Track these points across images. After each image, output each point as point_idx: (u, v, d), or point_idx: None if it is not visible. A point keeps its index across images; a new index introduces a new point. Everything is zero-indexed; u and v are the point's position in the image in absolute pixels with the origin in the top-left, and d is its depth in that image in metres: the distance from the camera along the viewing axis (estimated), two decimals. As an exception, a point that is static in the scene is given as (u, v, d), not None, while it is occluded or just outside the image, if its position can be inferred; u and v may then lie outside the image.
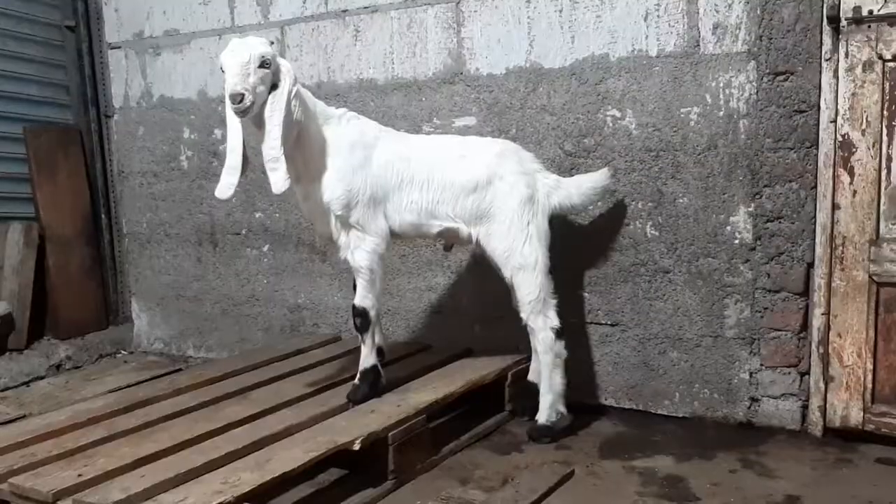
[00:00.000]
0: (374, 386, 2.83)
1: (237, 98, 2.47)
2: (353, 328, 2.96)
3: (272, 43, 2.76)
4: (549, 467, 2.67)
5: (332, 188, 2.71)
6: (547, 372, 2.89)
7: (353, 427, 2.52)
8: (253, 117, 2.58)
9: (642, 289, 3.13)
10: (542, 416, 2.93)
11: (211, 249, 4.22)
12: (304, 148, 2.71)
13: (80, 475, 2.20)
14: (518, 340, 3.37)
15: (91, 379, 4.01)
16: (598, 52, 3.12)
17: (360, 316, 2.81)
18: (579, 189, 2.95)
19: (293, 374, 3.18)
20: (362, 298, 2.80)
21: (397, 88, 3.57)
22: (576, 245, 3.22)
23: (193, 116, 4.16)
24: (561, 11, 3.17)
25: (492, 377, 3.09)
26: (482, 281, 3.45)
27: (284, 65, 2.62)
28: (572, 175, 3.06)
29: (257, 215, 4.05)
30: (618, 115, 3.11)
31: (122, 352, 4.58)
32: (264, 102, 2.56)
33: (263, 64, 2.51)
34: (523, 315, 2.88)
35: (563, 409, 2.95)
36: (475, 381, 3.01)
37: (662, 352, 3.12)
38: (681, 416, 3.12)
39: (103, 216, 4.61)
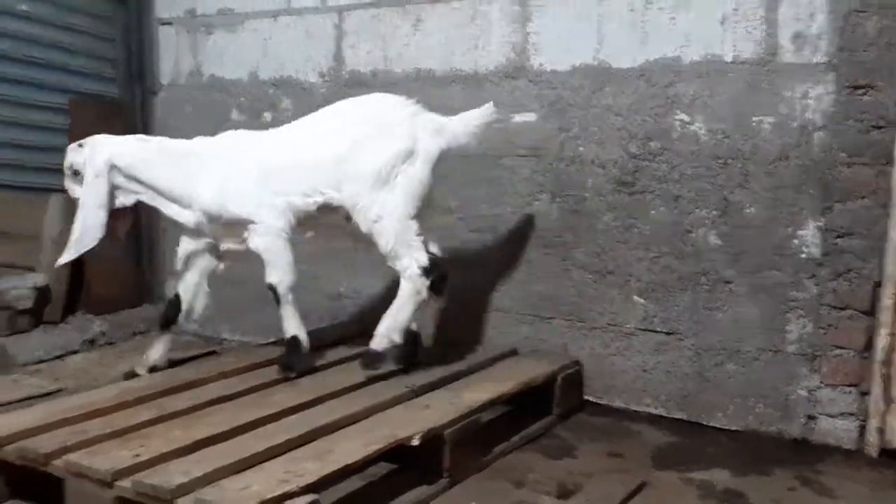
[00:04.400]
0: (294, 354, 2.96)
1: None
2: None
3: (80, 145, 2.93)
4: (616, 477, 2.61)
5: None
6: (399, 301, 2.87)
7: (409, 421, 2.46)
8: None
9: (702, 298, 3.06)
10: (376, 342, 2.91)
11: (252, 233, 4.17)
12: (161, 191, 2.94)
13: (136, 455, 2.15)
14: (567, 343, 3.33)
15: (124, 356, 3.96)
16: (669, 54, 3.06)
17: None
18: (466, 128, 2.93)
19: (338, 363, 3.12)
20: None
21: (456, 81, 3.51)
22: (633, 250, 3.16)
23: (243, 98, 4.11)
24: (633, 11, 3.11)
25: (542, 379, 3.03)
26: (529, 281, 3.40)
27: (92, 156, 2.86)
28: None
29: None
30: (687, 119, 3.05)
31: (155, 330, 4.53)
32: None
33: (74, 172, 2.90)
34: (390, 263, 2.88)
35: (398, 340, 2.91)
36: (526, 382, 2.95)
37: (719, 363, 3.05)
38: (733, 429, 3.06)
39: (143, 193, 4.56)
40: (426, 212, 2.95)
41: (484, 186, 3.47)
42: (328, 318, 3.96)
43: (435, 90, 3.55)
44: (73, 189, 2.92)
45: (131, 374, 3.04)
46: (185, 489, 1.98)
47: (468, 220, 3.52)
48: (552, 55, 3.30)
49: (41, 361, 3.82)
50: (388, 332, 2.89)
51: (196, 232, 3.01)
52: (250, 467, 2.12)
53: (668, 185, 3.09)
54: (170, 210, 2.97)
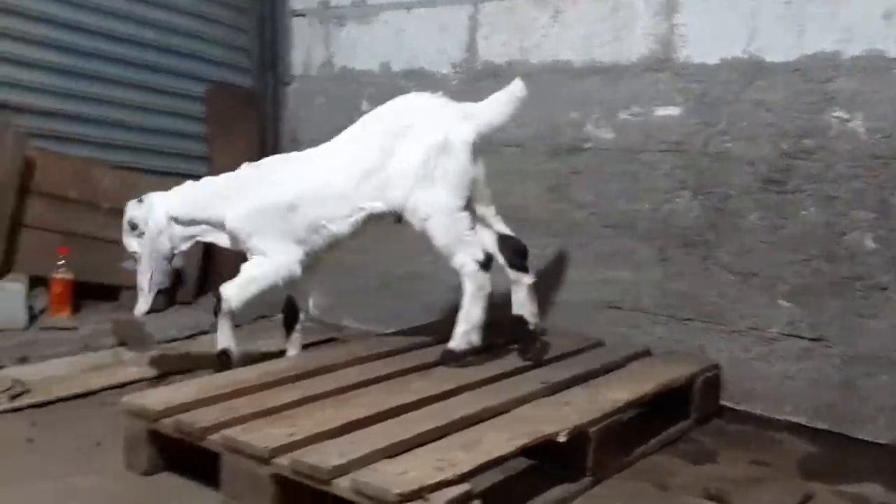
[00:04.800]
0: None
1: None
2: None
3: (140, 201, 3.07)
4: (771, 486, 2.51)
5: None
6: (466, 302, 2.84)
7: (552, 418, 2.42)
8: None
9: (854, 305, 2.91)
10: (453, 342, 2.88)
11: (377, 222, 4.20)
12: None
13: (291, 434, 2.18)
14: (705, 345, 3.22)
15: (249, 338, 4.05)
16: (828, 48, 2.92)
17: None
18: (498, 108, 2.90)
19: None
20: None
21: (595, 73, 3.45)
22: (780, 252, 3.03)
23: (374, 89, 4.14)
24: (789, 3, 2.98)
25: (682, 381, 2.94)
26: (668, 279, 3.31)
27: (152, 212, 3.01)
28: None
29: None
30: (845, 117, 2.90)
31: (276, 315, 4.62)
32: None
33: (132, 227, 3.05)
34: (446, 261, 2.86)
35: (476, 341, 2.87)
36: (666, 383, 2.86)
37: (870, 373, 2.90)
38: (883, 442, 2.90)
39: (270, 181, 4.66)
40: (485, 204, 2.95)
41: (620, 181, 3.40)
42: (450, 310, 3.96)
43: (571, 82, 3.50)
44: (130, 243, 3.08)
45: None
46: (342, 470, 1.99)
47: (602, 215, 3.45)
48: (699, 47, 3.19)
49: (174, 340, 3.95)
50: (465, 334, 2.86)
51: None
52: (401, 453, 2.12)
53: (823, 184, 2.94)
54: (222, 239, 3.08)
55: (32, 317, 3.69)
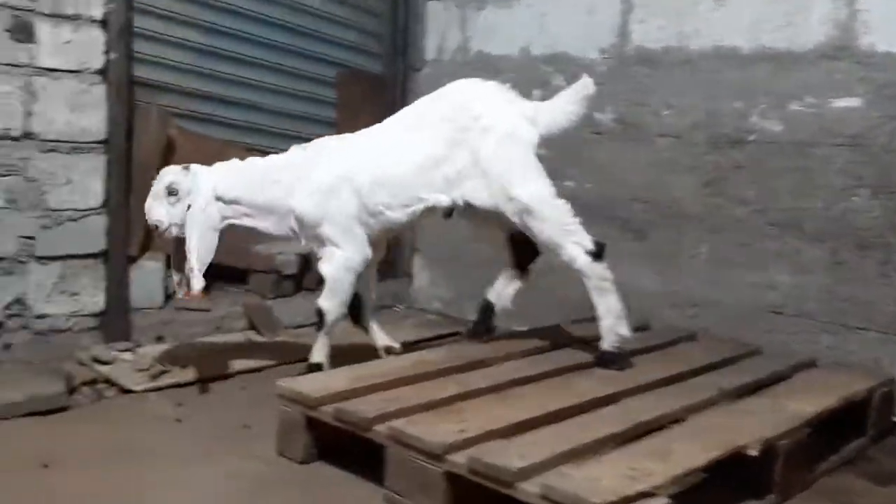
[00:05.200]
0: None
1: (153, 227, 2.88)
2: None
3: (186, 168, 2.86)
4: None
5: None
6: (596, 297, 2.67)
7: (738, 427, 2.22)
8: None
9: None
10: (605, 342, 2.71)
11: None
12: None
13: (461, 431, 2.05)
14: (881, 358, 2.96)
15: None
16: None
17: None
18: (564, 109, 2.76)
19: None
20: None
21: (763, 60, 3.21)
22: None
23: (513, 74, 3.98)
24: None
25: (862, 395, 2.69)
26: (839, 283, 3.05)
27: (197, 184, 2.80)
28: None
29: (567, 184, 3.83)
30: None
31: (399, 306, 4.54)
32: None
33: (171, 192, 2.78)
34: (558, 258, 2.72)
35: (625, 331, 2.69)
36: (847, 396, 2.62)
37: None
38: None
39: (396, 169, 4.57)
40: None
41: (788, 177, 3.16)
42: (585, 307, 3.78)
43: (736, 70, 3.27)
44: (158, 210, 2.81)
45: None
46: (527, 473, 1.85)
47: (767, 212, 3.21)
48: (884, 35, 2.93)
49: (300, 326, 3.88)
50: (611, 329, 2.70)
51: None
52: (585, 458, 1.97)
53: None
54: (265, 223, 2.91)
55: (167, 297, 3.68)
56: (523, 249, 2.96)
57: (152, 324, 3.51)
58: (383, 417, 2.15)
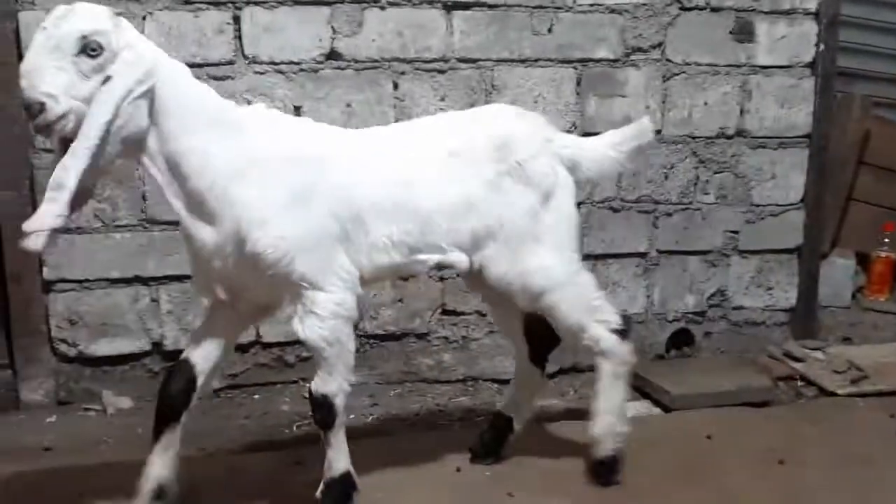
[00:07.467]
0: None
1: (34, 108, 1.59)
2: None
3: (118, 13, 1.72)
4: None
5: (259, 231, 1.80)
6: (606, 384, 2.16)
7: None
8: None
9: None
10: (600, 450, 2.18)
11: None
12: (182, 174, 1.77)
13: None
14: None
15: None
16: None
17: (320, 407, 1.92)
18: (611, 154, 2.17)
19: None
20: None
21: None
22: None
23: None
24: None
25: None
26: None
27: (132, 48, 1.67)
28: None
29: None
30: None
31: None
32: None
33: (89, 49, 1.62)
34: (579, 342, 2.14)
35: (622, 428, 2.17)
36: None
37: None
38: None
39: None
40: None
41: None
42: None
43: None
44: (49, 69, 1.60)
45: None
46: None
47: None
48: None
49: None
50: (610, 430, 2.16)
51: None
52: None
53: None
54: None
55: (852, 295, 3.53)
56: (541, 337, 2.28)
57: (839, 323, 3.42)
58: None
